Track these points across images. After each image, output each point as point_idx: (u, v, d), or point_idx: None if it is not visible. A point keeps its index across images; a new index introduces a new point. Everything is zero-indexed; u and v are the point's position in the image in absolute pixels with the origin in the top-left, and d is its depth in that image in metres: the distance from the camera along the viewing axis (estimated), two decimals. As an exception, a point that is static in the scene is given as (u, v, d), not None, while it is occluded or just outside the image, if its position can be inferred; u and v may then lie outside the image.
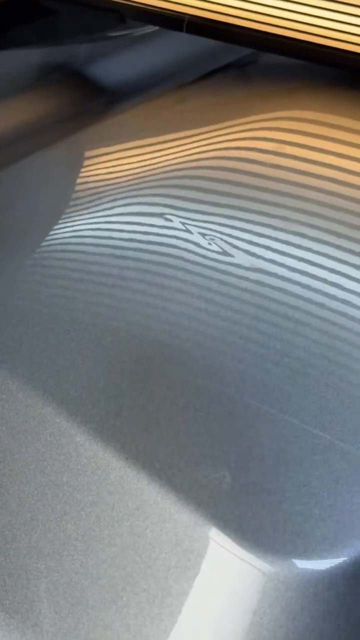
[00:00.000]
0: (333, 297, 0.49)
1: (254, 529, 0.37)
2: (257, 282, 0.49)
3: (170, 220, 0.54)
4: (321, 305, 0.48)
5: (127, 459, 0.40)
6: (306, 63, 0.71)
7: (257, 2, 0.67)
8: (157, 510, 0.38)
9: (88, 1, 0.73)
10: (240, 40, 0.70)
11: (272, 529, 0.37)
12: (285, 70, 0.75)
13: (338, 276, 0.50)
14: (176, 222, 0.54)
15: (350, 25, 0.66)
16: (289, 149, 0.65)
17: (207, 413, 0.41)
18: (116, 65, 0.83)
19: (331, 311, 0.48)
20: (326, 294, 0.49)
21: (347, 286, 0.50)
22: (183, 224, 0.54)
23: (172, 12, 0.70)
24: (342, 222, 0.56)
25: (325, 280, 0.50)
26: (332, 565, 0.36)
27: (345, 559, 0.36)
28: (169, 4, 0.69)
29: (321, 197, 0.59)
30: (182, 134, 0.68)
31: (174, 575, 0.37)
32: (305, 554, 0.36)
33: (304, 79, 0.74)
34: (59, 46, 0.86)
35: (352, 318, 0.48)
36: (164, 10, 0.70)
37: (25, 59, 0.82)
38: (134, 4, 0.71)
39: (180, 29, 0.70)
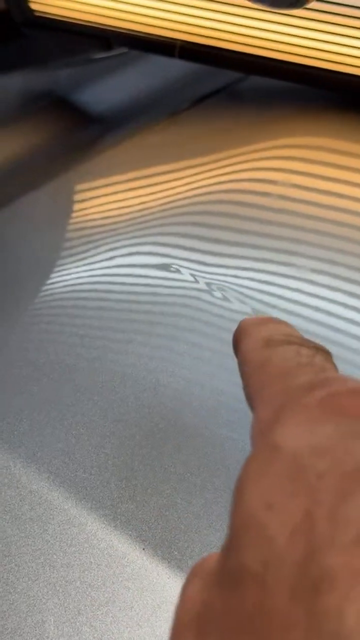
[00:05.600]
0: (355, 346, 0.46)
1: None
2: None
3: (176, 271, 0.51)
4: (347, 358, 0.45)
5: (144, 549, 0.36)
6: (300, 85, 0.67)
7: (251, 26, 0.63)
8: (180, 608, 0.34)
9: (73, 28, 0.69)
10: (235, 65, 0.66)
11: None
12: (279, 92, 0.72)
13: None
14: (183, 272, 0.51)
15: (345, 47, 0.63)
16: (297, 179, 0.61)
17: (229, 492, 0.38)
18: (104, 91, 0.80)
19: (357, 366, 0.44)
20: (352, 347, 0.46)
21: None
22: (191, 274, 0.50)
23: (163, 38, 0.66)
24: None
25: (350, 328, 0.47)
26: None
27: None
28: (160, 30, 0.66)
29: (337, 230, 0.55)
30: (180, 166, 0.64)
31: None
32: None
33: (299, 102, 0.71)
34: (42, 70, 0.82)
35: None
36: (155, 37, 0.66)
37: (3, 85, 0.78)
38: (122, 31, 0.67)
39: (172, 55, 0.66)
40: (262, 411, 0.21)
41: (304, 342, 0.24)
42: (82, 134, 0.72)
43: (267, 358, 0.24)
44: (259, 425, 0.21)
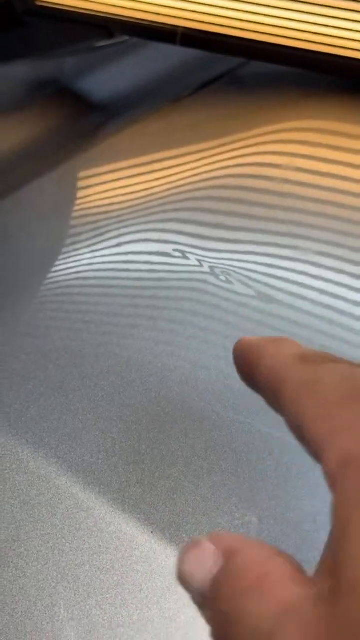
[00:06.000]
0: None
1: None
2: (282, 319, 0.46)
3: (181, 256, 0.51)
4: (355, 342, 0.45)
5: (152, 532, 0.37)
6: (301, 70, 0.67)
7: (252, 11, 0.63)
8: (189, 589, 0.35)
9: (74, 17, 0.69)
10: (237, 51, 0.66)
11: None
12: (281, 77, 0.72)
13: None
14: (188, 257, 0.51)
15: (345, 31, 0.63)
16: (301, 163, 0.61)
17: (235, 475, 0.38)
18: (106, 79, 0.79)
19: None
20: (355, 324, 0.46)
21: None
22: (196, 259, 0.50)
23: (164, 25, 0.66)
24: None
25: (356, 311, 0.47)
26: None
27: None
28: (160, 17, 0.66)
29: (341, 213, 0.55)
30: (184, 152, 0.64)
31: (213, 664, 0.34)
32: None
33: (301, 87, 0.71)
34: (42, 60, 0.81)
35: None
36: (156, 24, 0.66)
37: (5, 75, 0.78)
38: (123, 19, 0.67)
39: (173, 42, 0.66)
40: (344, 444, 0.19)
41: (345, 360, 0.22)
42: (86, 122, 0.72)
43: (316, 377, 0.21)
44: (345, 463, 0.19)
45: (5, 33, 0.78)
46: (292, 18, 0.64)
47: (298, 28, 0.64)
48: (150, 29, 0.67)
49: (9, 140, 0.68)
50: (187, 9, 0.64)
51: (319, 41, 0.64)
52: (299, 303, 0.47)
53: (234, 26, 0.65)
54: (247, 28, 0.65)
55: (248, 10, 0.64)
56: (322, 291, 0.48)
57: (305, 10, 0.63)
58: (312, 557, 0.35)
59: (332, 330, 0.45)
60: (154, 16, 0.66)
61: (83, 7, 0.68)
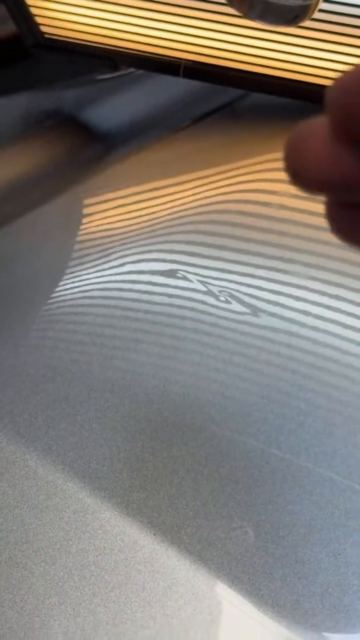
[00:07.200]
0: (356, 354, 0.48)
1: (291, 604, 0.36)
2: (276, 340, 0.48)
3: (182, 277, 0.53)
4: (344, 361, 0.47)
5: (154, 534, 0.38)
6: (294, 101, 0.70)
7: (253, 45, 0.66)
8: (189, 588, 0.37)
9: (81, 49, 0.72)
10: (238, 83, 0.69)
11: (310, 604, 0.36)
12: (279, 109, 0.75)
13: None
14: (189, 278, 0.53)
15: (344, 65, 0.65)
16: (296, 189, 0.63)
17: (234, 481, 0.40)
18: (108, 110, 0.82)
19: (354, 369, 0.47)
20: (349, 350, 0.48)
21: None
22: (197, 280, 0.53)
23: (168, 58, 0.69)
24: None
25: (346, 333, 0.49)
26: (376, 639, 0.35)
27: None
28: (165, 50, 0.68)
29: (336, 238, 0.57)
30: (185, 179, 0.67)
31: (212, 658, 0.36)
32: (347, 629, 0.35)
33: (298, 118, 0.73)
34: (47, 91, 0.84)
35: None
36: (160, 57, 0.69)
37: (12, 106, 0.80)
38: (128, 51, 0.70)
39: (177, 74, 0.69)
40: None
41: None
42: (90, 152, 0.74)
43: None
44: None
45: (11, 67, 0.80)
46: (291, 52, 0.66)
47: (297, 61, 0.67)
48: (155, 62, 0.70)
49: (16, 168, 0.70)
50: (190, 42, 0.67)
51: (317, 74, 0.67)
52: (294, 328, 0.49)
53: (236, 59, 0.67)
54: (248, 61, 0.67)
55: (249, 44, 0.66)
56: (314, 315, 0.50)
57: (304, 45, 0.66)
58: (306, 558, 0.37)
59: (322, 351, 0.48)
60: (159, 49, 0.69)
61: (90, 39, 0.71)
